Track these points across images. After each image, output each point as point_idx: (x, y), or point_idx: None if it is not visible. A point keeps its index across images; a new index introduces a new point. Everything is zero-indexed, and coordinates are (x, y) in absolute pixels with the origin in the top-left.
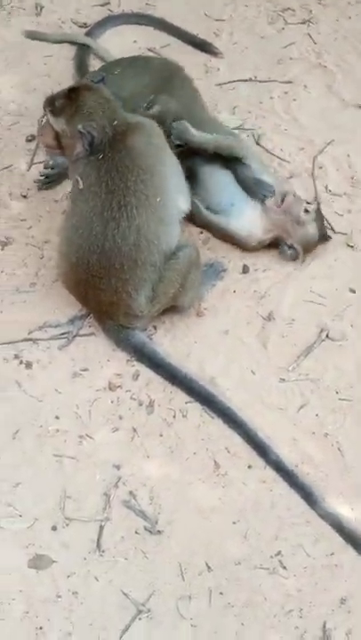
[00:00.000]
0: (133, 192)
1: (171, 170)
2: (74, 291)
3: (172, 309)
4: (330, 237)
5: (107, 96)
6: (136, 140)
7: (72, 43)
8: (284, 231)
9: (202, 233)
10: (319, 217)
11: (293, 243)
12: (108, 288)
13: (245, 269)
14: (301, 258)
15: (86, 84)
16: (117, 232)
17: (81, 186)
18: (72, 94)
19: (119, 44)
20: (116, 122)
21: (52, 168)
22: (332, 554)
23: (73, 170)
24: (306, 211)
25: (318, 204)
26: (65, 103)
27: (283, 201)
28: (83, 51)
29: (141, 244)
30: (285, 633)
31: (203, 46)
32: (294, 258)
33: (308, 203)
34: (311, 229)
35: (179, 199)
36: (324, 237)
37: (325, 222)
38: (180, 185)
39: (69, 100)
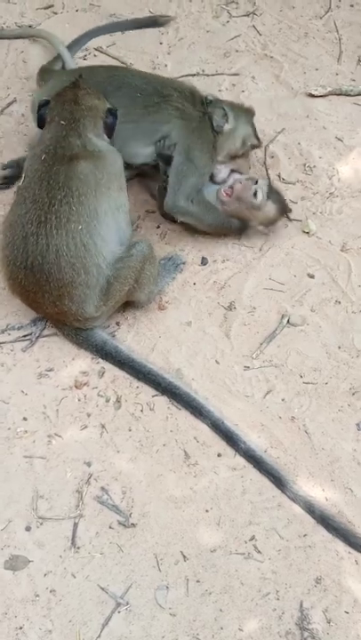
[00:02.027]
0: (55, 211)
1: (104, 207)
2: (22, 300)
3: (134, 305)
4: (290, 210)
5: (93, 107)
6: (81, 164)
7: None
8: (244, 216)
9: (159, 227)
10: (273, 193)
11: (256, 225)
12: (47, 302)
13: (204, 261)
14: (270, 232)
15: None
16: (36, 248)
17: (20, 183)
18: (77, 87)
19: (64, 40)
20: (77, 135)
21: (10, 167)
22: (305, 535)
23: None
24: (255, 193)
25: (269, 180)
26: (70, 87)
27: (232, 189)
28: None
29: (62, 265)
30: (264, 615)
31: (155, 22)
32: (265, 233)
33: (255, 183)
34: (268, 208)
35: (110, 235)
36: (284, 210)
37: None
38: (116, 225)
39: (74, 86)
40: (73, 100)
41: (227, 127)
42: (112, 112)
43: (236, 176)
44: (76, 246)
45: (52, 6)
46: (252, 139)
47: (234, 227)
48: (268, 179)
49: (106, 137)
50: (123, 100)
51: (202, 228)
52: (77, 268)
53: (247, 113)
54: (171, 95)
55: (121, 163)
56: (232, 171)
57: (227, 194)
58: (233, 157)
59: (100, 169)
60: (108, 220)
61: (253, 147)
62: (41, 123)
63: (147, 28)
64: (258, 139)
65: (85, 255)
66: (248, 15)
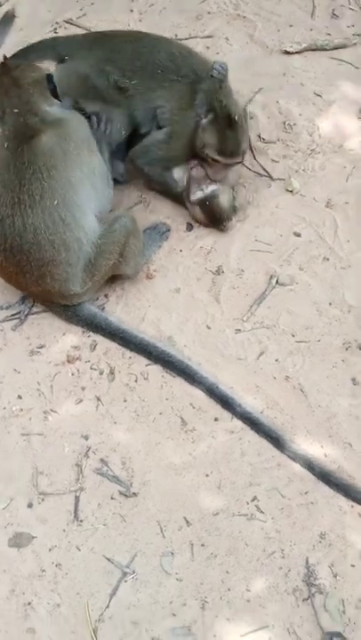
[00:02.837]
0: (27, 190)
1: (77, 175)
2: (7, 280)
3: (121, 277)
4: (224, 229)
5: (34, 81)
6: (43, 139)
7: None
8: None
9: (142, 197)
10: (211, 204)
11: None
12: (30, 280)
13: (189, 227)
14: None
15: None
16: (14, 230)
17: None
18: (9, 69)
19: (32, 15)
20: (33, 113)
21: None
22: (307, 492)
23: None
24: (198, 190)
25: (215, 197)
26: (6, 72)
27: (194, 169)
28: None
29: (42, 243)
30: (270, 574)
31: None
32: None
33: (211, 184)
34: (196, 211)
35: (88, 204)
36: (215, 225)
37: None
38: (94, 192)
39: (5, 70)
40: (13, 84)
41: (203, 122)
42: (50, 78)
43: (210, 171)
44: (53, 222)
45: None
46: (210, 149)
47: (176, 195)
48: (215, 197)
49: (57, 101)
50: (145, 76)
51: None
52: (57, 245)
53: (234, 124)
54: (186, 76)
55: (86, 125)
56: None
57: (191, 166)
58: (198, 157)
59: (64, 137)
60: (85, 187)
61: (213, 158)
62: None
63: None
64: (220, 154)
65: (65, 230)
66: None
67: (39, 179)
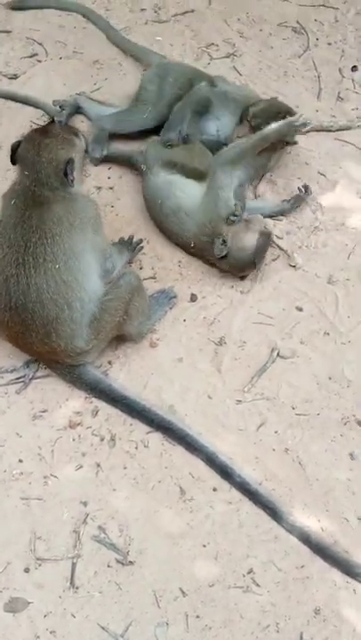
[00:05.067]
0: (32, 252)
1: (80, 247)
2: (11, 342)
3: (125, 343)
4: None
5: (53, 159)
6: (53, 208)
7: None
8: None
9: (152, 268)
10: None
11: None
12: (35, 340)
13: (193, 298)
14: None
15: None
16: (18, 288)
17: None
18: (45, 133)
19: (46, 86)
20: (42, 185)
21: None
22: (303, 566)
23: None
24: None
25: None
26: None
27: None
28: None
29: (45, 302)
30: None
31: None
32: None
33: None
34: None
35: (91, 269)
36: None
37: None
38: (96, 265)
39: (43, 131)
40: (36, 150)
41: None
42: (69, 163)
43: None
44: (56, 283)
45: (36, 55)
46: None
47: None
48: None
49: (71, 184)
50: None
51: None
52: (60, 303)
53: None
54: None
55: (94, 207)
56: None
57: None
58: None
59: (72, 212)
60: (88, 257)
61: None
62: (14, 164)
63: None
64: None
65: (67, 291)
66: (228, 57)
67: (44, 244)
